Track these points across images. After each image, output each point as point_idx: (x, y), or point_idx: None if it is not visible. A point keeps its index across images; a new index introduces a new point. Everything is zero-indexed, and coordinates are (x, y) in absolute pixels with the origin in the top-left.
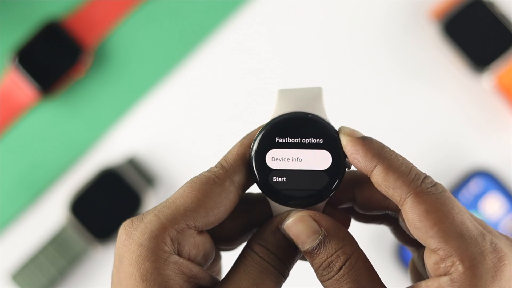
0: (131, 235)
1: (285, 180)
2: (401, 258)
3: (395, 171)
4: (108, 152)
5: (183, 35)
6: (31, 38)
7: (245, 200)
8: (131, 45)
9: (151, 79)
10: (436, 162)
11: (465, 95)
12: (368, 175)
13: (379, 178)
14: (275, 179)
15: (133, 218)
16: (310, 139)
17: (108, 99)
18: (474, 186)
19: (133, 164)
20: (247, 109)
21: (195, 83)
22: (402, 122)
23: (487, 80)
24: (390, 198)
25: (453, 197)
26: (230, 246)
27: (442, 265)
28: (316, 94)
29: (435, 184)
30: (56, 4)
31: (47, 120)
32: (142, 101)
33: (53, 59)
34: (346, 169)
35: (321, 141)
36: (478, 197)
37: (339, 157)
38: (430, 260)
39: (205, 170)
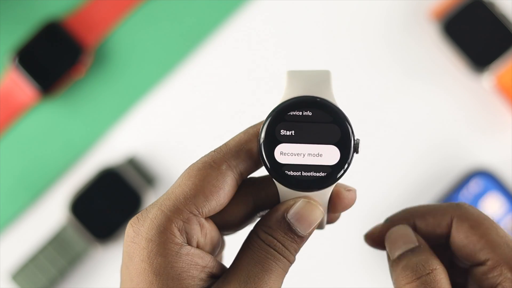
0: (138, 231)
1: (294, 164)
2: None
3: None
4: (108, 152)
5: (183, 35)
6: (31, 38)
7: (248, 184)
8: (131, 45)
9: (151, 79)
10: (436, 162)
11: (465, 95)
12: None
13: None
14: (284, 163)
15: (138, 215)
16: (319, 123)
17: (108, 99)
18: (474, 186)
19: (133, 164)
20: (246, 109)
21: (195, 83)
22: (402, 122)
23: (487, 80)
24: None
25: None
26: (234, 231)
27: (490, 275)
28: (324, 77)
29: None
30: (56, 4)
31: (47, 120)
32: (142, 101)
33: (53, 59)
34: (355, 153)
35: (330, 124)
36: (478, 197)
37: (348, 142)
38: (477, 272)
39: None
